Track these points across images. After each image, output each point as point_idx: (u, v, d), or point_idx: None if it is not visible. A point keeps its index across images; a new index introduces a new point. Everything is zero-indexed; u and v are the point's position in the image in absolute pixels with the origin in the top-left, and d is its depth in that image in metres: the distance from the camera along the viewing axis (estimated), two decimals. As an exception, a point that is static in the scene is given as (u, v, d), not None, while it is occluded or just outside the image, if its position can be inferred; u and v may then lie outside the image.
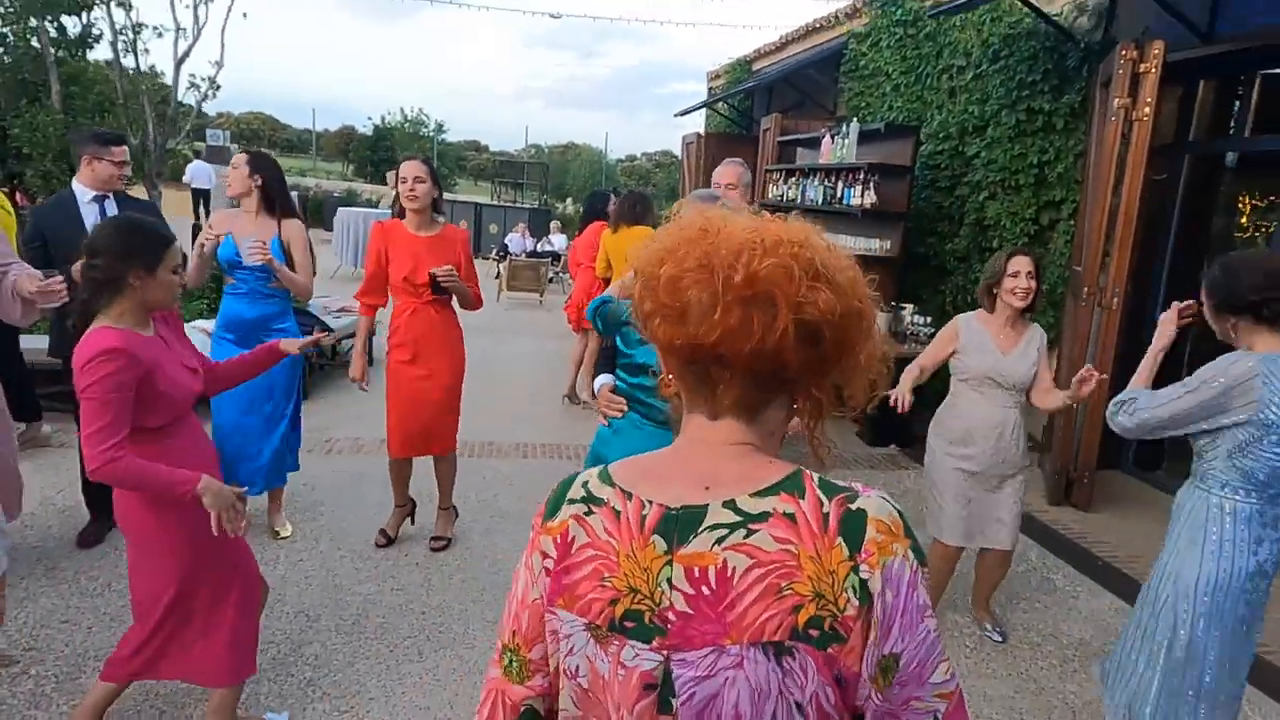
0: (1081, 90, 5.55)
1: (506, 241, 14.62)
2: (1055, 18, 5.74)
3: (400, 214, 3.51)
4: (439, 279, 3.41)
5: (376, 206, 19.57)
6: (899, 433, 6.13)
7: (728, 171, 4.42)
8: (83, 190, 3.50)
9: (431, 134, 38.16)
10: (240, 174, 3.54)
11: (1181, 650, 2.24)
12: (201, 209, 18.60)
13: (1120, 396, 2.36)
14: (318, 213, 20.89)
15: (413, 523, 3.98)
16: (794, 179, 7.90)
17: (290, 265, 3.56)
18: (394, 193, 3.51)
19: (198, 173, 18.38)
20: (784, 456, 0.94)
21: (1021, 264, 3.12)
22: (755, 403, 0.90)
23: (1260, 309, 2.14)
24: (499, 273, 12.28)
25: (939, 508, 3.34)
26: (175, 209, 18.75)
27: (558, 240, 14.67)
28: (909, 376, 3.25)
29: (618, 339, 2.61)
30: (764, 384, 0.88)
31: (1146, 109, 4.44)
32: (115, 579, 3.38)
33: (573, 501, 0.95)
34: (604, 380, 2.72)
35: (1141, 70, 4.44)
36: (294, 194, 14.95)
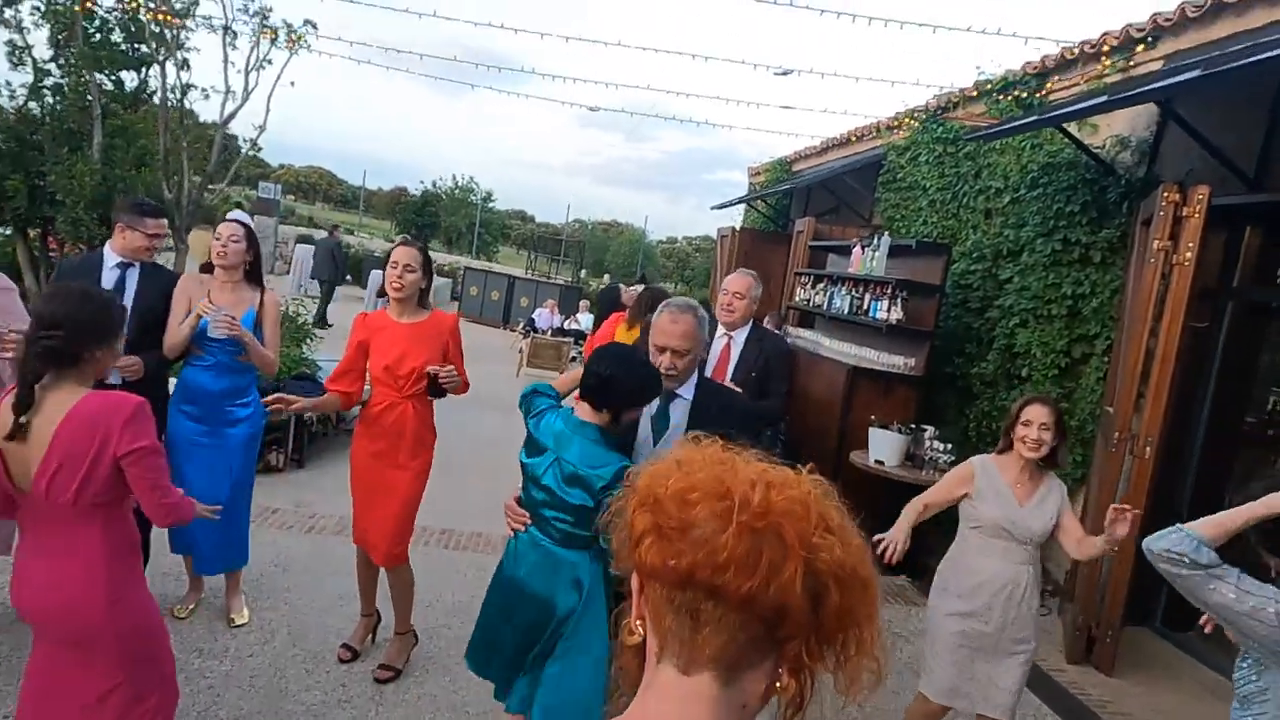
0: (1121, 226, 5.38)
1: (534, 316, 14.64)
2: (1097, 150, 5.63)
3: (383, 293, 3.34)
4: (439, 379, 3.20)
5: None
6: (910, 563, 5.79)
7: (738, 281, 4.26)
8: (110, 255, 3.47)
9: (480, 200, 39.15)
10: (239, 248, 3.47)
11: None
12: None
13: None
14: (357, 269, 21.30)
15: (373, 641, 3.63)
16: (822, 285, 7.77)
17: (260, 339, 3.47)
18: (382, 276, 3.39)
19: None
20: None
21: (1036, 414, 2.89)
22: (739, 660, 0.77)
23: None
24: (521, 349, 12.23)
25: (931, 663, 3.06)
26: (205, 250, 19.37)
27: (584, 319, 14.66)
28: (911, 513, 3.01)
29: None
30: (754, 637, 0.76)
31: (1189, 254, 4.26)
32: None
33: None
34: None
35: (1184, 214, 4.27)
36: (336, 249, 15.19)
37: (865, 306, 6.70)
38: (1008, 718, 3.00)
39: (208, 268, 3.57)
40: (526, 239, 41.32)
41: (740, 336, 4.12)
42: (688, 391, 2.53)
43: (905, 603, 5.29)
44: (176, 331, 3.38)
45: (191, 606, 3.67)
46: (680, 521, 0.76)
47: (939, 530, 6.28)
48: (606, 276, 36.57)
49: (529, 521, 2.38)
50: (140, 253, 3.49)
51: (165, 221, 3.62)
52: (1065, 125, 5.58)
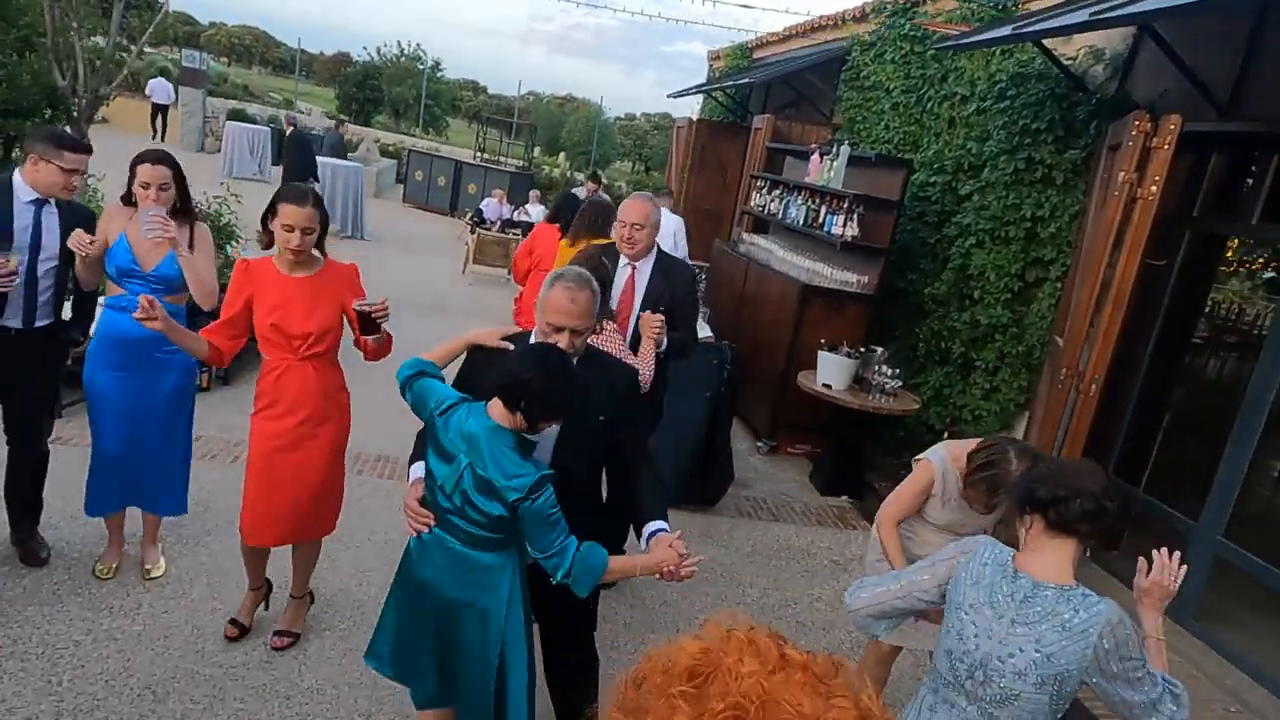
0: (1087, 147, 5.16)
1: (482, 207, 14.05)
2: (1069, 60, 5.33)
3: (267, 246, 2.94)
4: (373, 315, 2.85)
5: (355, 151, 18.81)
6: (853, 482, 5.84)
7: (637, 209, 3.72)
8: (21, 187, 3.07)
9: (427, 70, 36.96)
10: (170, 195, 3.10)
11: None
12: (160, 122, 19.46)
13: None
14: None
15: (266, 608, 3.34)
16: (779, 192, 7.48)
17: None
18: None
19: (157, 88, 19.57)
20: None
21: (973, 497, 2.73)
22: None
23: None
24: (468, 243, 11.77)
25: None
26: (132, 124, 18.08)
27: (534, 211, 14.11)
28: (891, 535, 2.86)
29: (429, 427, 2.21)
30: None
31: (1154, 188, 4.07)
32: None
33: None
34: (418, 473, 2.29)
35: (1153, 145, 4.06)
36: (270, 128, 14.07)
37: (821, 220, 6.46)
38: None
39: (128, 199, 3.17)
40: (477, 112, 39.38)
41: (645, 267, 3.78)
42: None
43: (845, 526, 5.33)
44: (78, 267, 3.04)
45: (115, 565, 3.45)
46: None
47: (880, 447, 6.35)
48: (562, 155, 35.25)
49: (433, 523, 2.20)
50: (55, 190, 3.10)
51: (86, 157, 3.19)
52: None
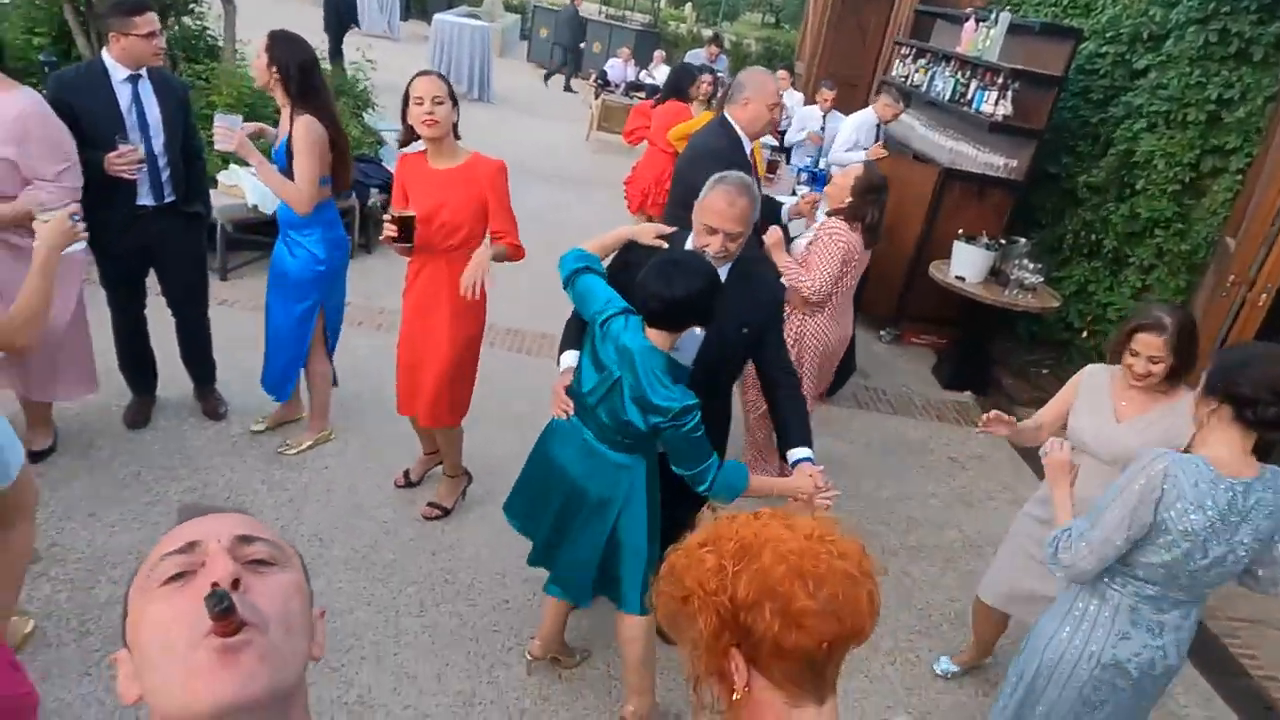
0: (1298, 18, 4.50)
1: (606, 68, 13.69)
2: (1291, -89, 4.57)
3: (406, 142, 2.98)
4: (407, 221, 2.81)
5: (479, 7, 18.49)
6: (978, 377, 5.68)
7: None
8: (115, 67, 3.16)
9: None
10: (260, 62, 3.14)
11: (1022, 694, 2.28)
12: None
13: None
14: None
15: (463, 498, 3.57)
16: (924, 61, 6.92)
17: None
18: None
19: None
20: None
21: (1146, 345, 2.39)
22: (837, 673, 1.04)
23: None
24: (592, 107, 11.58)
25: (995, 562, 2.94)
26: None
27: (660, 73, 13.65)
28: (1035, 435, 2.70)
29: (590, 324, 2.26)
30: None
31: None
32: (147, 468, 3.43)
33: None
34: (569, 362, 2.40)
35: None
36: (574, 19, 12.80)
37: (970, 95, 5.98)
38: None
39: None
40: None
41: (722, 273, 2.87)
42: (722, 275, 2.31)
43: (966, 423, 5.24)
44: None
45: (283, 421, 3.80)
46: (816, 602, 0.96)
47: (1009, 336, 6.07)
48: (688, 8, 33.40)
49: (572, 411, 2.32)
50: (147, 58, 3.18)
51: (154, 15, 3.19)
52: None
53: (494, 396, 4.34)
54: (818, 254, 3.56)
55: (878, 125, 6.33)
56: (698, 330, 2.19)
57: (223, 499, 3.34)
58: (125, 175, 3.09)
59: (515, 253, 3.03)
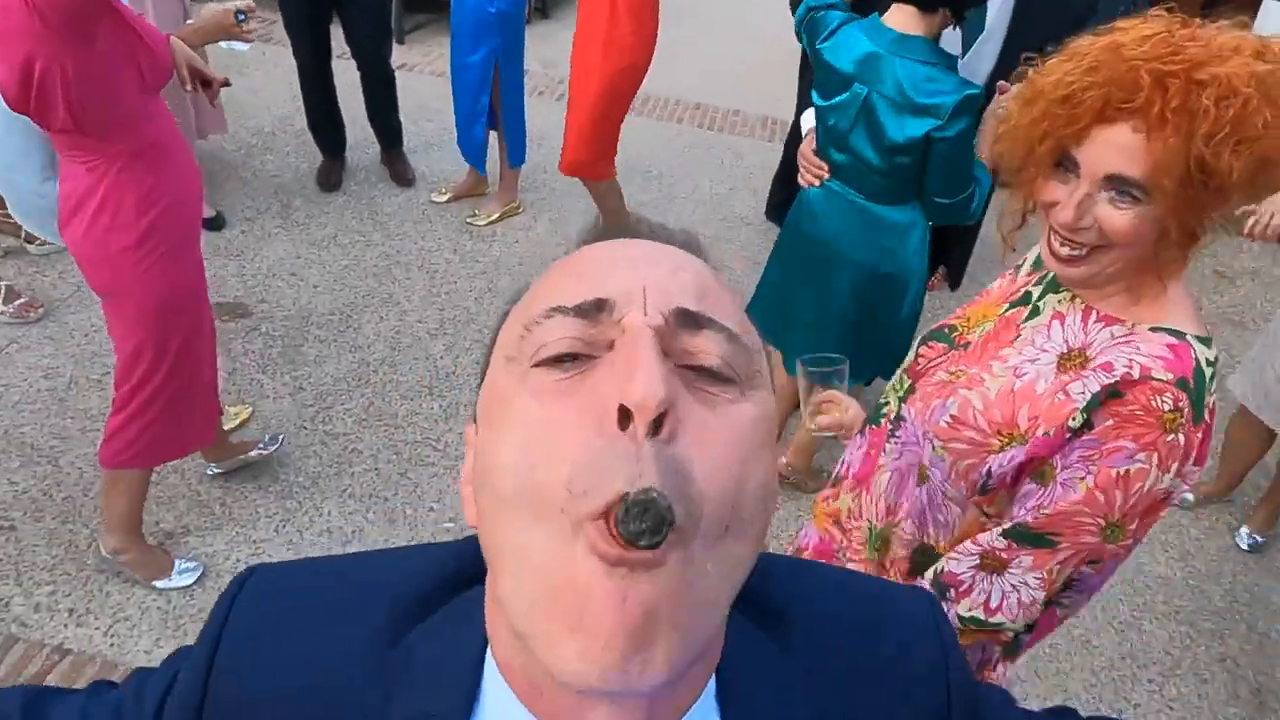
0: None
1: None
2: None
3: None
4: None
5: None
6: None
7: None
8: None
9: None
10: None
11: None
12: None
13: None
14: None
15: None
16: None
17: None
18: None
19: None
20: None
21: None
22: None
23: None
24: None
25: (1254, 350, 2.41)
26: None
27: None
28: None
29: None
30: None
31: None
32: (341, 231, 3.34)
33: None
34: (810, 123, 1.99)
35: None
36: None
37: None
38: None
39: None
40: None
41: None
42: None
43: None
44: None
45: (470, 192, 3.63)
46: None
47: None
48: None
49: (826, 175, 1.90)
50: None
51: None
52: None
53: (685, 176, 3.97)
54: None
55: None
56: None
57: (416, 266, 3.23)
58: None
59: None
